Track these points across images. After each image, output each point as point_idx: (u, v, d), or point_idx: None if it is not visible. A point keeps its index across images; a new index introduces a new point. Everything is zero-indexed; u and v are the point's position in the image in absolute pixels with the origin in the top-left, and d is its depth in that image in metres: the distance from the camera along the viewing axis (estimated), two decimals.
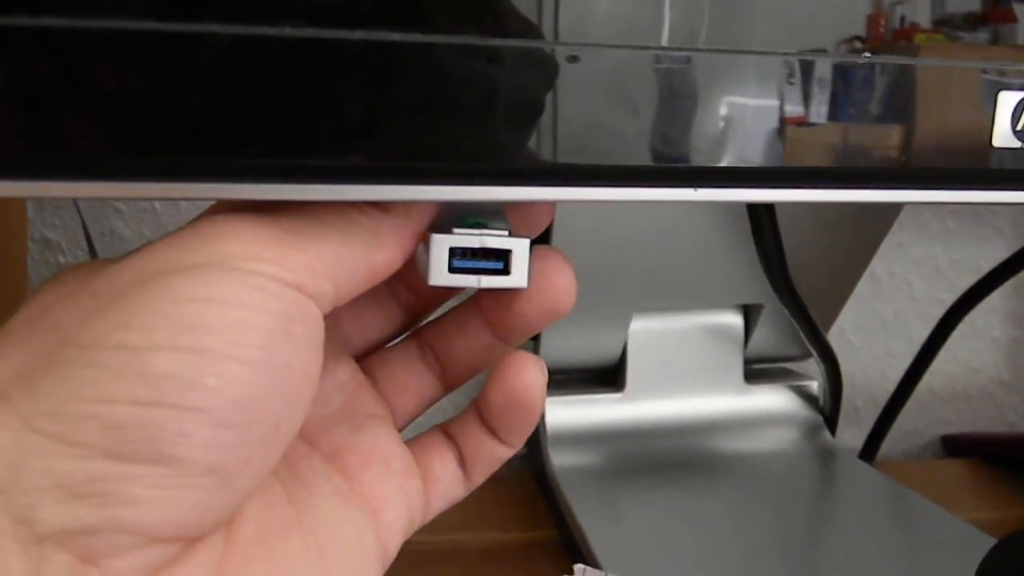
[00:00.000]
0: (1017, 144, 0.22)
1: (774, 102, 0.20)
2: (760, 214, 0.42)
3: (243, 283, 0.17)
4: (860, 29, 0.20)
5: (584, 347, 0.51)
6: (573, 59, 0.19)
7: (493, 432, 0.24)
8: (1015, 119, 0.22)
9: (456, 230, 0.20)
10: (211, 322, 0.16)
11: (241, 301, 0.17)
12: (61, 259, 0.55)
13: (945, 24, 0.21)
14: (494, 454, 0.24)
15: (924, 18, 0.21)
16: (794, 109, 0.20)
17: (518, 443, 0.24)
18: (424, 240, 0.21)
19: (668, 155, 0.20)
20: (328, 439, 0.23)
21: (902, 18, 0.21)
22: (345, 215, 0.19)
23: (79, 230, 0.54)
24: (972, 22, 0.21)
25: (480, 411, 0.24)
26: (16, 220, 0.49)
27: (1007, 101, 0.22)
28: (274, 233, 0.18)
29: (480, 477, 0.25)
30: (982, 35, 0.21)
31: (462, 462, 0.24)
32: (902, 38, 0.21)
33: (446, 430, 0.25)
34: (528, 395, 0.23)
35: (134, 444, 0.16)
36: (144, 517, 0.16)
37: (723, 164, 0.20)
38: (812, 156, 0.21)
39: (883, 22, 0.20)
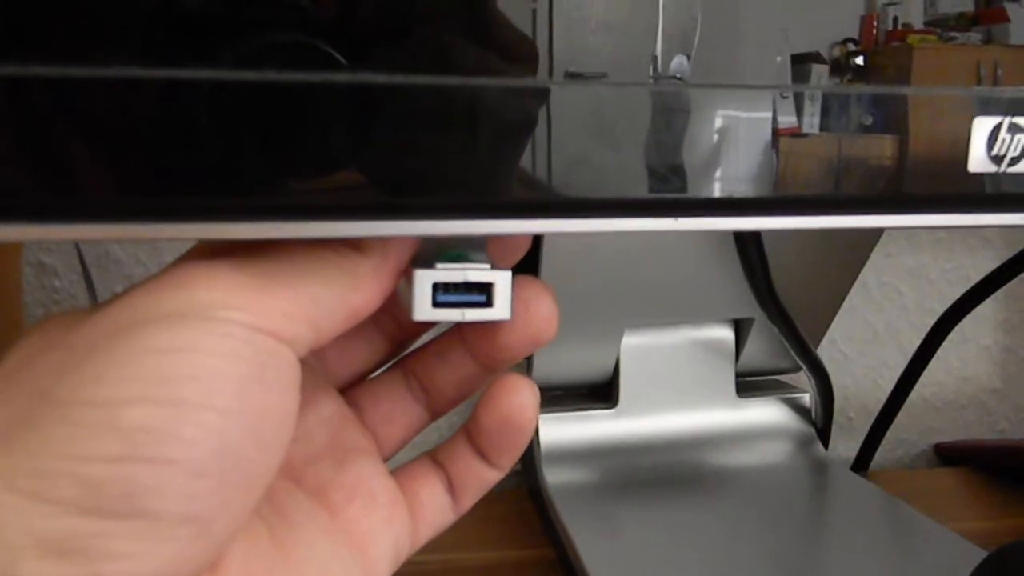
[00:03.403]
0: (993, 169, 0.22)
1: (761, 127, 0.21)
2: (744, 232, 0.43)
3: (215, 332, 0.17)
4: (853, 31, 0.20)
5: (576, 363, 0.51)
6: (569, 77, 0.19)
7: (483, 455, 0.24)
8: (990, 144, 0.22)
9: (438, 265, 0.21)
10: (184, 372, 0.17)
11: (213, 350, 0.17)
12: (56, 283, 0.55)
13: (938, 25, 0.21)
14: (483, 478, 0.24)
15: (917, 19, 0.21)
16: (786, 120, 0.21)
17: (508, 465, 0.24)
18: (407, 275, 0.21)
19: (651, 186, 0.20)
20: (313, 475, 0.23)
21: (895, 19, 0.21)
22: (322, 257, 0.19)
23: (74, 254, 0.54)
24: (965, 22, 0.21)
25: (470, 434, 0.24)
26: (11, 244, 0.49)
27: (982, 126, 0.22)
28: (247, 279, 0.18)
29: (469, 501, 0.25)
30: (974, 35, 0.21)
31: (451, 487, 0.24)
32: (895, 39, 0.21)
33: (434, 456, 0.25)
34: (521, 417, 0.23)
35: (110, 500, 0.16)
36: (124, 571, 0.16)
37: (706, 194, 0.21)
38: (794, 183, 0.21)
39: (876, 23, 0.20)
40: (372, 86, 0.18)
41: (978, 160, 0.22)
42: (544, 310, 0.22)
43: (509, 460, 0.24)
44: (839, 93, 0.21)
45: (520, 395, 0.23)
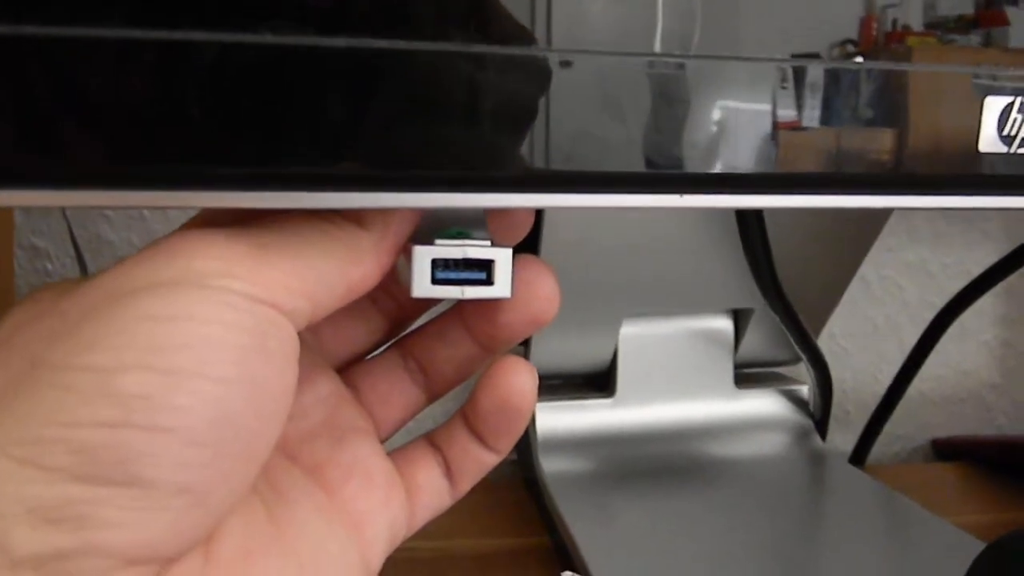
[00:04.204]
0: (1003, 149, 0.22)
1: (764, 108, 0.20)
2: (748, 219, 0.42)
3: (214, 300, 0.17)
4: (852, 32, 0.20)
5: (574, 352, 0.51)
6: (565, 64, 0.19)
7: (480, 438, 0.24)
8: (1001, 124, 0.22)
9: (438, 241, 0.20)
10: (181, 340, 0.16)
11: (212, 318, 0.17)
12: (48, 266, 0.55)
13: (937, 27, 0.21)
14: (480, 461, 0.24)
15: (916, 21, 0.21)
16: (785, 113, 0.20)
17: (505, 449, 0.24)
18: (406, 251, 0.21)
19: (655, 162, 0.20)
20: (309, 453, 0.22)
21: (894, 21, 0.20)
22: (321, 230, 0.19)
23: (67, 237, 0.53)
24: (964, 24, 0.21)
25: (467, 417, 0.24)
26: (3, 227, 0.49)
27: (993, 106, 0.22)
28: (247, 249, 0.18)
29: (466, 485, 0.24)
30: (974, 38, 0.21)
31: (448, 471, 0.24)
32: (894, 41, 0.21)
33: (431, 439, 0.25)
34: (519, 400, 0.22)
35: (103, 467, 0.16)
36: (118, 540, 0.16)
37: (711, 171, 0.20)
38: (800, 162, 0.21)
39: (875, 25, 0.20)
40: (371, 52, 0.17)
41: (989, 140, 0.22)
42: (546, 289, 0.22)
43: (507, 443, 0.24)
44: (854, 70, 0.20)
45: (519, 377, 0.22)
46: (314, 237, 0.19)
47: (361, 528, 0.22)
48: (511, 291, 0.21)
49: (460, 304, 0.24)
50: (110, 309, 0.17)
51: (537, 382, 0.23)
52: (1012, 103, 0.22)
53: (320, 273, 0.19)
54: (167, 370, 0.16)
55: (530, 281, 0.22)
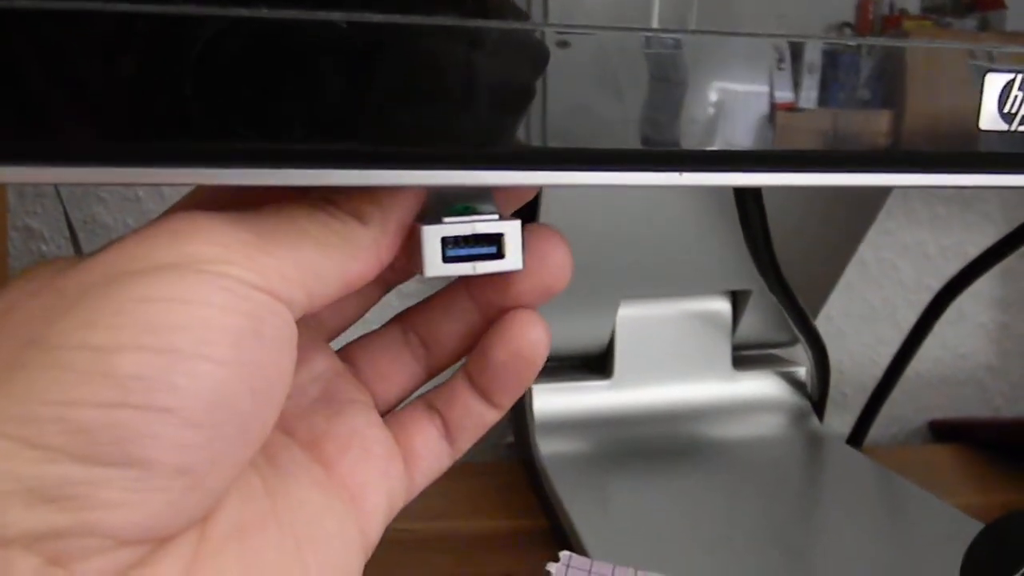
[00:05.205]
0: (1004, 126, 0.22)
1: (763, 86, 0.20)
2: (747, 199, 0.42)
3: (211, 284, 0.17)
4: (849, 16, 0.20)
5: (572, 334, 0.51)
6: (563, 44, 0.19)
7: (484, 394, 0.24)
8: (1002, 101, 0.22)
9: (446, 219, 0.20)
10: (178, 321, 0.16)
11: (209, 301, 0.17)
12: (43, 248, 0.54)
13: (934, 11, 0.21)
14: (482, 418, 0.24)
15: (913, 5, 0.21)
16: (783, 94, 0.20)
17: (509, 404, 0.24)
18: (414, 232, 0.21)
19: (654, 138, 0.20)
20: (307, 428, 0.22)
21: (891, 5, 0.20)
22: (321, 222, 0.19)
23: (61, 218, 0.53)
24: (961, 9, 0.21)
25: (471, 373, 0.24)
26: None
27: (994, 83, 0.22)
28: (246, 236, 0.18)
29: (465, 444, 0.24)
30: (970, 22, 0.21)
31: (446, 431, 0.24)
32: (891, 25, 0.21)
33: (429, 402, 0.24)
34: (532, 351, 0.23)
35: (101, 447, 0.15)
36: (114, 520, 0.16)
37: (709, 148, 0.20)
38: (799, 139, 0.21)
39: (872, 8, 0.20)
40: (369, 26, 0.17)
41: (990, 117, 0.22)
42: (558, 257, 0.22)
43: (511, 398, 0.24)
44: (852, 49, 0.20)
45: (534, 328, 0.23)
46: (313, 229, 0.19)
47: (359, 501, 0.22)
48: (522, 263, 0.21)
49: (467, 276, 0.24)
50: (108, 289, 0.16)
51: (550, 334, 0.23)
52: (1013, 80, 0.22)
53: (319, 267, 0.19)
54: (164, 350, 0.16)
55: (545, 251, 0.22)
